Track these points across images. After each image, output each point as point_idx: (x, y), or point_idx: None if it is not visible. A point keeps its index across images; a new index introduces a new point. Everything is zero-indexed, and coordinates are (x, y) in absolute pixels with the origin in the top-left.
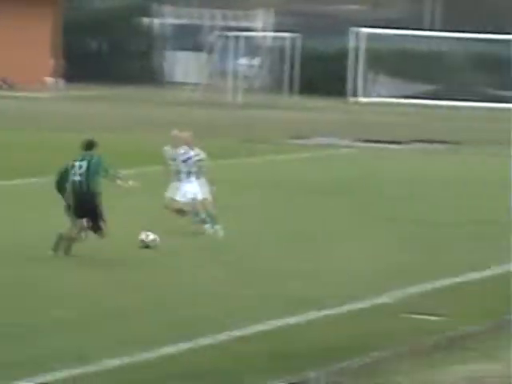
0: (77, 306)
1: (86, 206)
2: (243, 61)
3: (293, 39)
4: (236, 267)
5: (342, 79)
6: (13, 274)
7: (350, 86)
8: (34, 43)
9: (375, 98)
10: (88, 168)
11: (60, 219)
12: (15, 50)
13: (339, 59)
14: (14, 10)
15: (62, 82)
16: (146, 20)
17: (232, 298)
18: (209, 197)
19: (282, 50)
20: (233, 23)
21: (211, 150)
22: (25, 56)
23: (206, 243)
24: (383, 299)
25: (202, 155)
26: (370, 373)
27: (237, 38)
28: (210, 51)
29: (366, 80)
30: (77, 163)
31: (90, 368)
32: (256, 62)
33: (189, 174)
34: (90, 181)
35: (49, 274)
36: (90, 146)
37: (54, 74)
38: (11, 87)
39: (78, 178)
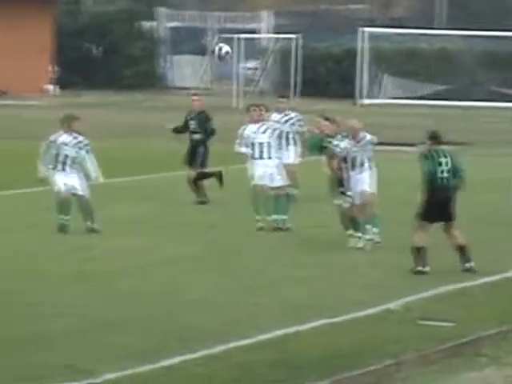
0: (68, 317)
1: None
2: (246, 64)
3: (296, 40)
4: (231, 275)
5: (349, 80)
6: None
7: (357, 87)
8: (33, 50)
9: (383, 99)
10: None
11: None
12: (14, 57)
13: (345, 60)
14: (11, 13)
15: (57, 89)
16: (144, 24)
17: (230, 307)
18: None
19: (284, 52)
20: (234, 25)
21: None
22: (24, 64)
23: (199, 251)
24: (390, 305)
25: None
26: (377, 381)
27: (239, 40)
28: (212, 55)
29: (373, 81)
30: None
31: (92, 381)
32: (258, 64)
33: None
34: None
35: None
36: None
37: (53, 81)
38: (6, 95)
39: None
